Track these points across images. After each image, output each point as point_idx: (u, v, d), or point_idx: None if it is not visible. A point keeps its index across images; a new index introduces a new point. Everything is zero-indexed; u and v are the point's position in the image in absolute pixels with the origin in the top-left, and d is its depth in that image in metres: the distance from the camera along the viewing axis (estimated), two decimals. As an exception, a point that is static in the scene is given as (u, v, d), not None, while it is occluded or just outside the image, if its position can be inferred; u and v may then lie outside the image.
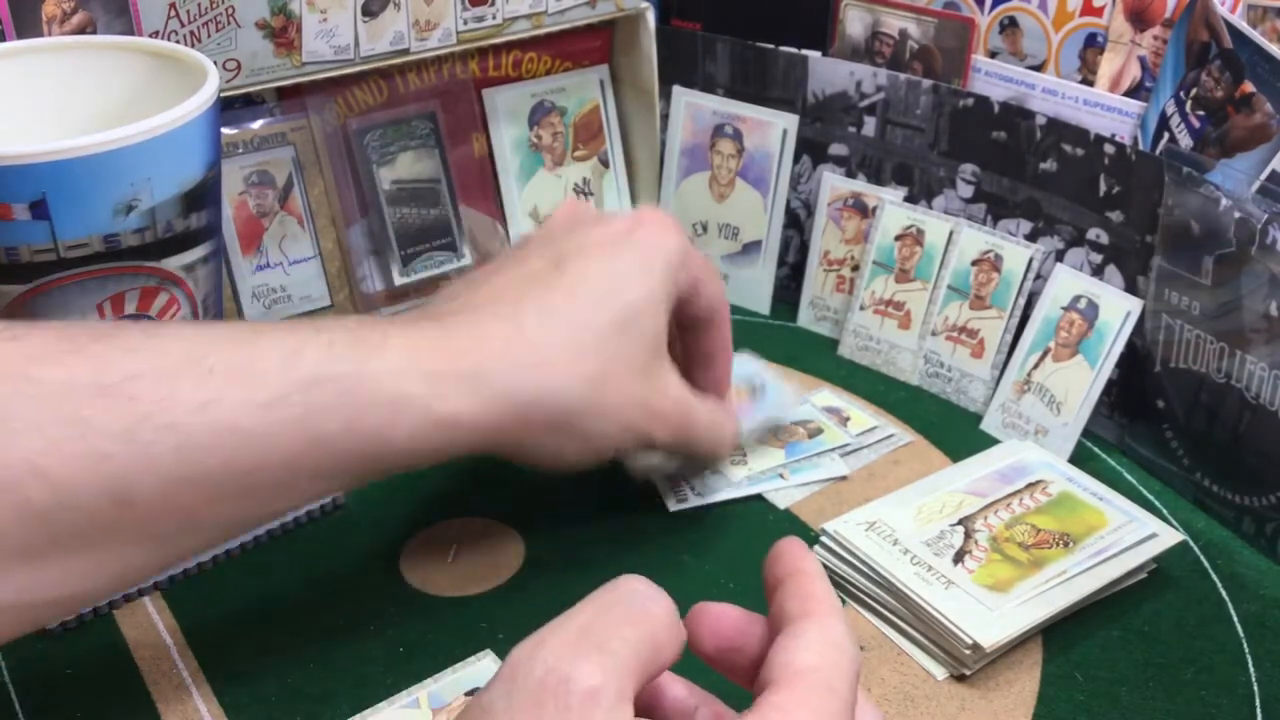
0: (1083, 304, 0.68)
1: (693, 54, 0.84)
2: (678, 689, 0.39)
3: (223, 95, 0.60)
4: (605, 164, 0.88)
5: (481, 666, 0.52)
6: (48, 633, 0.55)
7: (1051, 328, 0.69)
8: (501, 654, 0.53)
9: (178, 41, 0.65)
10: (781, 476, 0.66)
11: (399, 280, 0.81)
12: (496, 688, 0.32)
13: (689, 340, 0.58)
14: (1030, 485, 0.62)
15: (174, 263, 0.53)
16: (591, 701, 0.31)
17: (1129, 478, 0.67)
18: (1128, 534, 0.59)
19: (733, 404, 0.61)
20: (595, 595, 0.35)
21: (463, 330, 0.49)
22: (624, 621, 0.33)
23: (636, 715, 0.32)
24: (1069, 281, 0.69)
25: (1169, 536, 0.59)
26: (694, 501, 0.64)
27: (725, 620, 0.38)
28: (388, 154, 0.80)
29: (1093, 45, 0.71)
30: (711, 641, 0.38)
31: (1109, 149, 0.67)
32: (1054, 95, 0.72)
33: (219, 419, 0.42)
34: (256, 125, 0.74)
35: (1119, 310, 0.66)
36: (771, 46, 0.81)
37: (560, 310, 0.50)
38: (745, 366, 0.69)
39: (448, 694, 0.51)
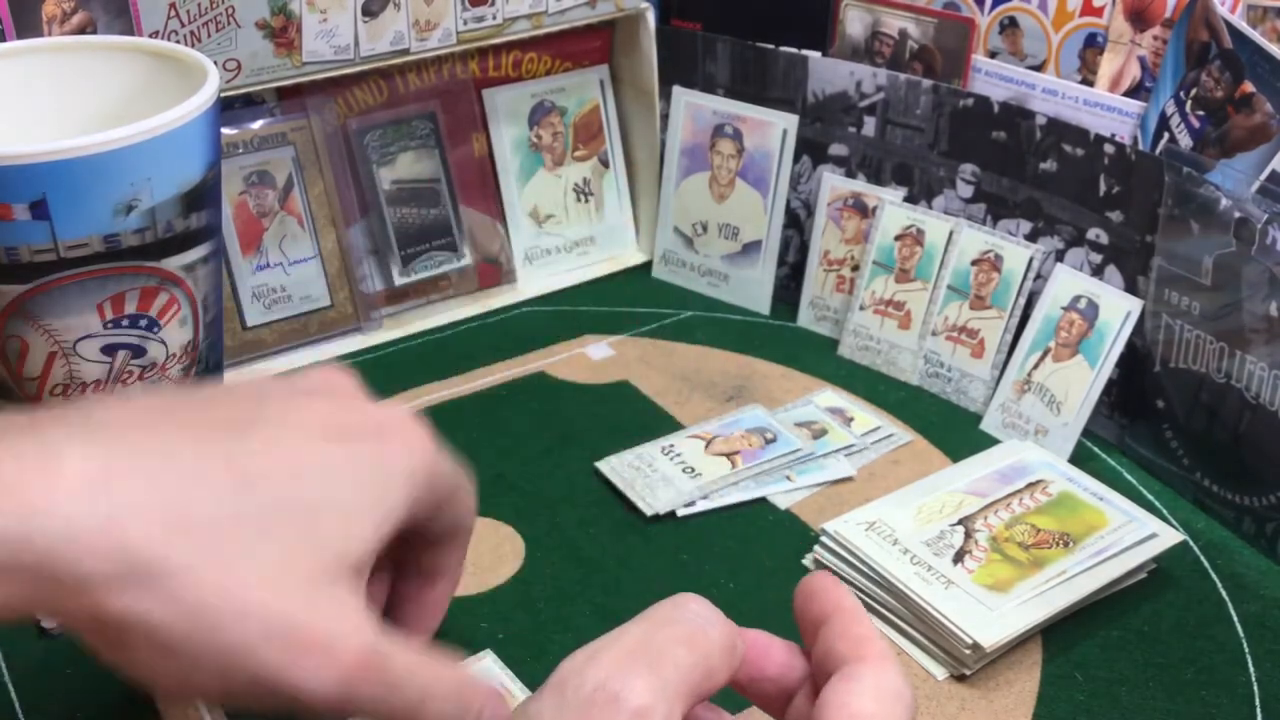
0: (1083, 304, 0.68)
1: (693, 54, 0.84)
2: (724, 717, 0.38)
3: (223, 95, 0.60)
4: (605, 164, 0.88)
5: (482, 667, 0.52)
6: (48, 633, 0.55)
7: (1051, 328, 0.69)
8: (502, 654, 0.53)
9: (178, 41, 0.65)
10: (787, 478, 0.66)
11: (399, 280, 0.81)
12: (545, 698, 0.32)
13: (415, 554, 0.45)
14: (1030, 485, 0.62)
15: (174, 263, 0.53)
16: (641, 718, 0.31)
17: (1129, 478, 0.67)
18: (1128, 534, 0.59)
19: (428, 618, 0.46)
20: (653, 611, 0.34)
21: (29, 456, 0.31)
22: (679, 642, 0.33)
23: None
24: (1069, 281, 0.69)
25: (1169, 536, 0.59)
26: (700, 505, 0.64)
27: (771, 654, 0.37)
28: (388, 154, 0.80)
29: (1093, 45, 0.71)
30: (750, 673, 0.37)
31: (1109, 149, 0.67)
32: (1054, 95, 0.72)
33: None
34: (256, 125, 0.74)
35: (1119, 310, 0.66)
36: (771, 46, 0.81)
37: (204, 474, 0.34)
38: (758, 418, 0.69)
39: None
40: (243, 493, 0.34)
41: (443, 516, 0.43)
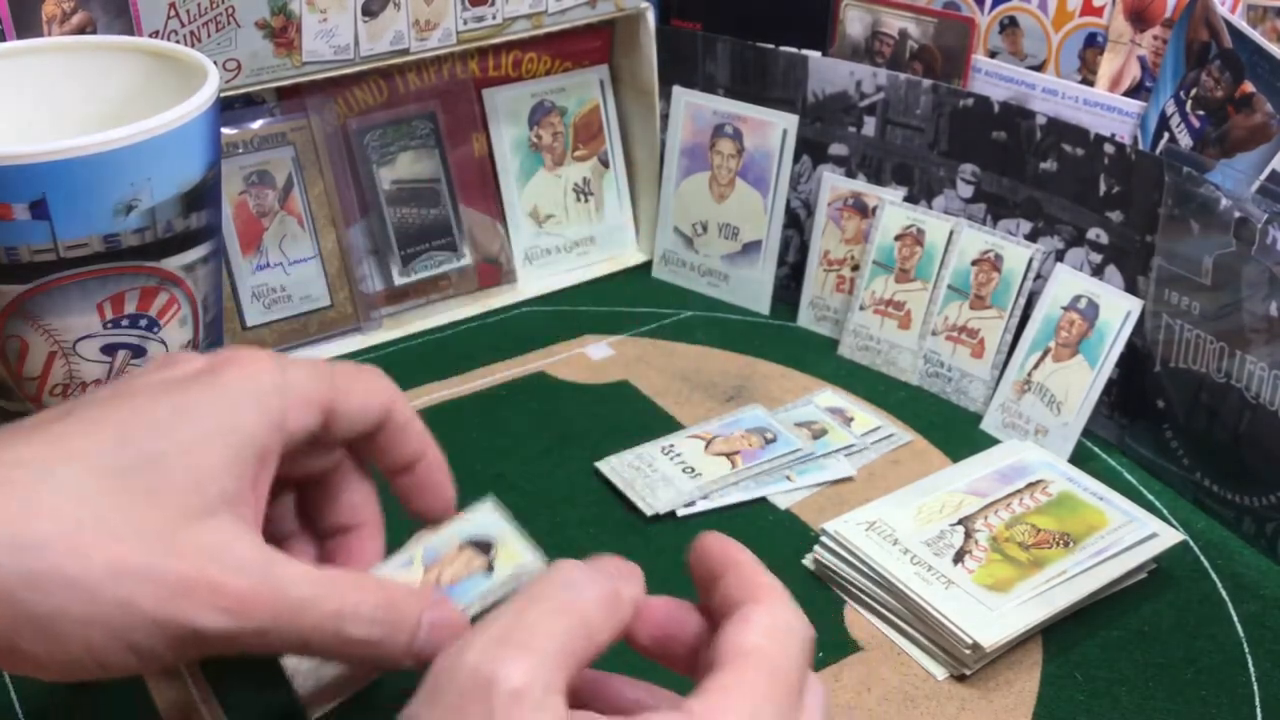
0: (1083, 304, 0.68)
1: (693, 54, 0.84)
2: (638, 692, 0.39)
3: (223, 95, 0.60)
4: (605, 164, 0.88)
5: (481, 511, 0.47)
6: (48, 633, 0.55)
7: (1051, 327, 0.69)
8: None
9: (178, 41, 0.65)
10: (787, 478, 0.66)
11: (399, 280, 0.81)
12: (420, 698, 0.31)
13: (381, 459, 0.44)
14: (1030, 485, 0.62)
15: (174, 263, 0.53)
16: (517, 701, 0.30)
17: (1129, 478, 0.67)
18: (1128, 534, 0.59)
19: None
20: (526, 587, 0.34)
21: None
22: (551, 613, 0.33)
23: (577, 707, 0.32)
24: (1069, 281, 0.69)
25: (1169, 536, 0.59)
26: (700, 505, 0.64)
27: (655, 610, 0.38)
28: (388, 154, 0.80)
29: (1093, 45, 0.71)
30: (645, 630, 0.38)
31: (1109, 149, 0.67)
32: (1054, 95, 0.72)
33: None
34: (256, 125, 0.74)
35: (1119, 310, 0.66)
36: (771, 46, 0.81)
37: (41, 459, 0.35)
38: (758, 418, 0.69)
39: (444, 547, 0.46)
40: (85, 471, 0.35)
41: (343, 414, 0.41)
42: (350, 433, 0.42)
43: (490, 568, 0.44)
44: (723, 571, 0.37)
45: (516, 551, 0.45)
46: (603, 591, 0.34)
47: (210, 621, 0.34)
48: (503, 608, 0.33)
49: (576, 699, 0.33)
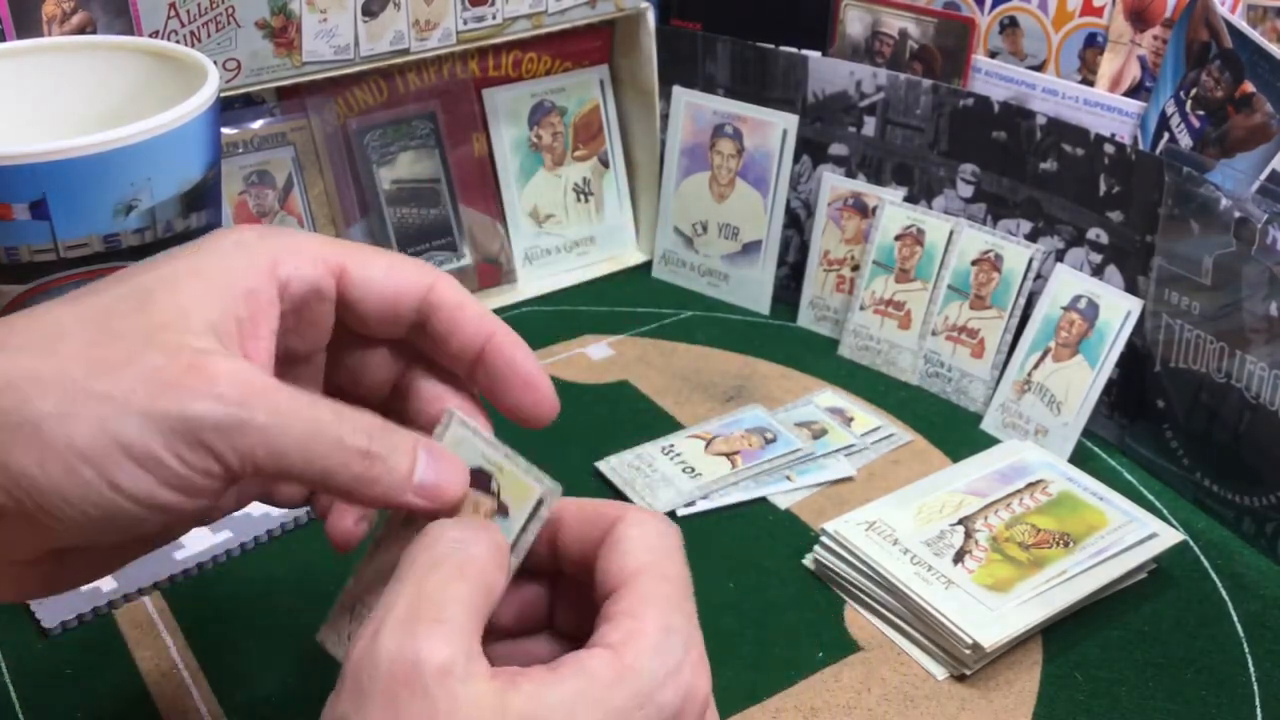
0: (1083, 304, 0.68)
1: (693, 54, 0.84)
2: (540, 646, 0.40)
3: (223, 95, 0.60)
4: (605, 164, 0.88)
5: (452, 432, 0.40)
6: (48, 633, 0.55)
7: (1051, 327, 0.69)
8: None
9: (178, 41, 0.65)
10: (788, 478, 0.66)
11: (399, 280, 0.81)
12: (345, 695, 0.31)
13: (445, 353, 0.41)
14: (1030, 485, 0.62)
15: (174, 263, 0.53)
16: (446, 676, 0.30)
17: (1129, 478, 0.67)
18: (1128, 534, 0.59)
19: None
20: (413, 559, 0.34)
21: None
22: (450, 579, 0.33)
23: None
24: (1069, 281, 0.69)
25: (1169, 536, 0.59)
26: (700, 505, 0.64)
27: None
28: (388, 154, 0.80)
29: (1093, 45, 0.71)
30: (504, 611, 0.38)
31: (1109, 149, 0.67)
32: (1054, 95, 0.72)
33: None
34: (256, 125, 0.74)
35: (1119, 310, 0.66)
36: (771, 46, 0.81)
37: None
38: (758, 418, 0.69)
39: None
40: (61, 312, 0.34)
41: (364, 288, 0.38)
42: (384, 312, 0.38)
43: (503, 509, 0.38)
44: (560, 514, 0.38)
45: (519, 479, 0.39)
46: (489, 545, 0.35)
47: (203, 409, 0.32)
48: (395, 587, 0.33)
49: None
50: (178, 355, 0.32)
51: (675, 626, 0.34)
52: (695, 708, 0.33)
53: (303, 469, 0.33)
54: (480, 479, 0.38)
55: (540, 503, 0.37)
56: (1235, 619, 0.57)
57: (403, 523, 0.39)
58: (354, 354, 0.40)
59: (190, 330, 0.33)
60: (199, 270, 0.35)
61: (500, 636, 0.39)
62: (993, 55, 0.76)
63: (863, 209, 0.78)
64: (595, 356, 0.78)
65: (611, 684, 0.32)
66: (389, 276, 0.38)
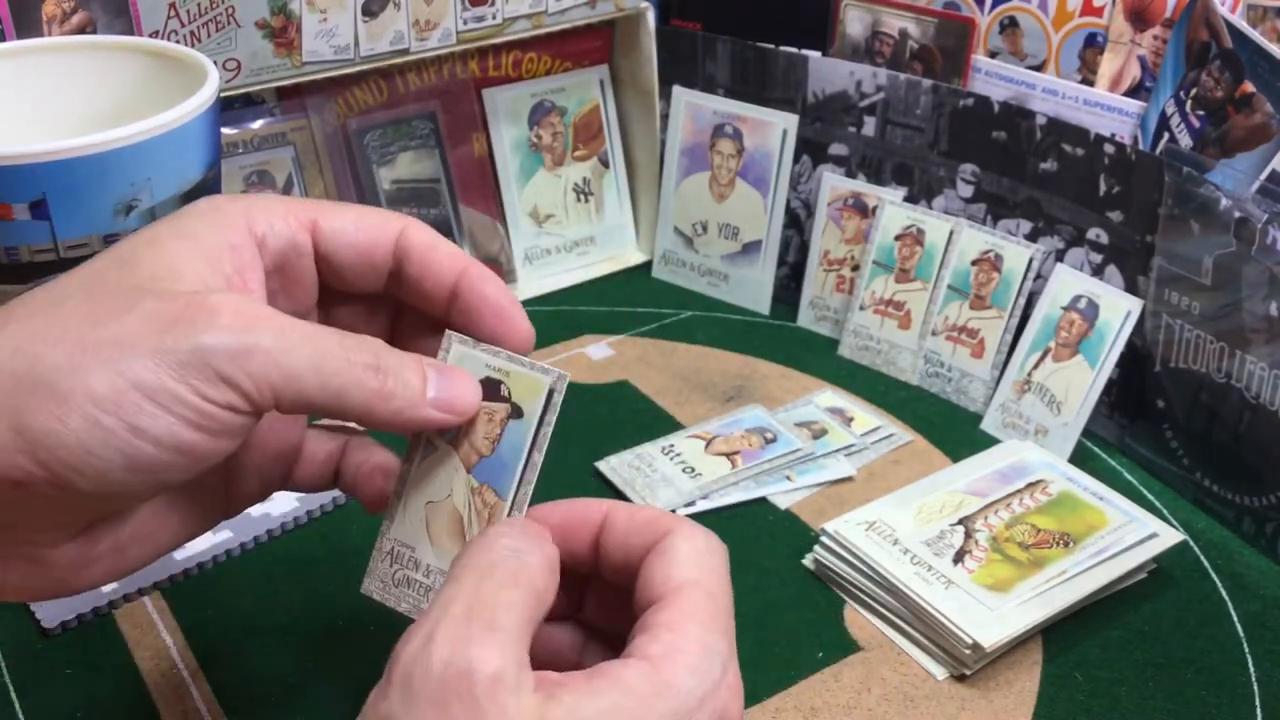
0: (1083, 304, 0.68)
1: (693, 54, 0.84)
2: (563, 634, 0.40)
3: (223, 95, 0.60)
4: (605, 164, 0.88)
5: (455, 349, 0.40)
6: (48, 633, 0.55)
7: (1051, 327, 0.69)
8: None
9: (178, 41, 0.65)
10: (787, 478, 0.66)
11: (399, 280, 0.81)
12: (394, 694, 0.31)
13: (422, 295, 0.40)
14: (1030, 485, 0.62)
15: (174, 263, 0.53)
16: (497, 686, 0.30)
17: (1129, 478, 0.67)
18: (1128, 534, 0.59)
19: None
20: (468, 563, 0.34)
21: None
22: (504, 586, 0.33)
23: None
24: (1069, 281, 0.69)
25: (1169, 536, 0.59)
26: (700, 505, 0.64)
27: (578, 533, 0.39)
28: (388, 154, 0.80)
29: (1093, 45, 0.71)
30: (572, 550, 0.39)
31: (1109, 149, 0.67)
32: (1054, 95, 0.72)
33: None
34: (256, 125, 0.74)
35: (1119, 310, 0.66)
36: (771, 46, 0.81)
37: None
38: (758, 418, 0.69)
39: None
40: (55, 287, 0.34)
41: (334, 237, 0.39)
42: (360, 262, 0.39)
43: (517, 411, 0.39)
44: (598, 524, 0.38)
45: (527, 376, 0.39)
46: (543, 554, 0.35)
47: (210, 339, 0.32)
48: (451, 591, 0.33)
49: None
50: (174, 298, 0.33)
51: (715, 647, 0.33)
52: None
53: (318, 390, 0.34)
54: (490, 389, 0.39)
55: (552, 392, 0.38)
56: (1235, 619, 0.57)
57: (422, 454, 0.40)
58: (342, 314, 0.41)
59: (182, 280, 0.34)
60: (180, 231, 0.36)
61: None
62: (993, 55, 0.76)
63: (863, 209, 0.78)
64: (595, 356, 0.78)
65: (648, 699, 0.31)
66: (359, 226, 0.39)
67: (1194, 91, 0.65)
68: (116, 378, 0.31)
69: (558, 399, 0.38)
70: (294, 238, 0.38)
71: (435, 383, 0.37)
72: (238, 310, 0.33)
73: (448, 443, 0.40)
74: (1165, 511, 0.65)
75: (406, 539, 0.41)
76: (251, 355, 0.32)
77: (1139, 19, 0.69)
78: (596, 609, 0.40)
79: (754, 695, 0.52)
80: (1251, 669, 0.54)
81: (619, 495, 0.64)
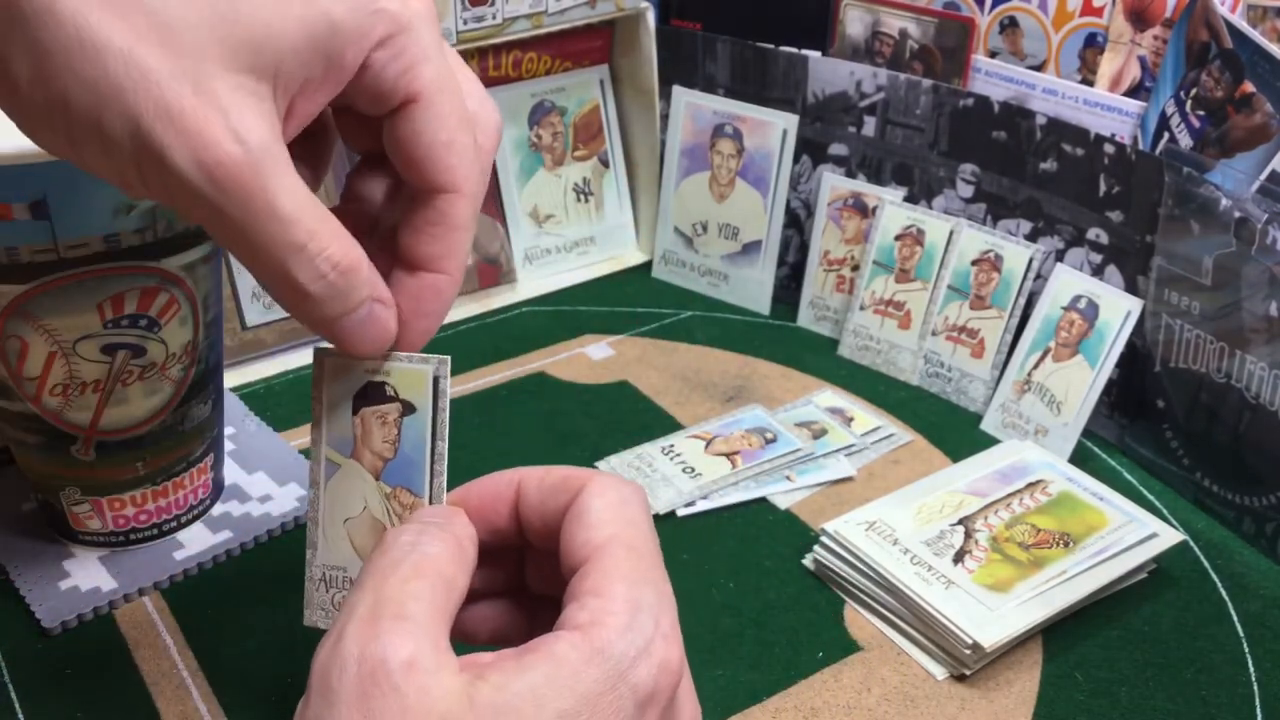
0: (1083, 304, 0.68)
1: (693, 54, 0.84)
2: (508, 611, 0.40)
3: (223, 95, 0.60)
4: (605, 164, 0.88)
5: (329, 361, 0.40)
6: (48, 633, 0.55)
7: (1051, 327, 0.69)
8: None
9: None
10: (788, 478, 0.66)
11: (399, 280, 0.81)
12: (314, 703, 0.31)
13: (407, 221, 0.37)
14: (1030, 485, 0.62)
15: (174, 263, 0.53)
16: (413, 669, 0.30)
17: (1129, 478, 0.67)
18: (1128, 534, 0.59)
19: (425, 296, 0.37)
20: (369, 567, 0.34)
21: None
22: (407, 579, 0.33)
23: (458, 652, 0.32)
24: (1069, 281, 0.69)
25: (1169, 536, 0.59)
26: (700, 505, 0.64)
27: (495, 506, 0.39)
28: (388, 154, 0.80)
29: (1093, 45, 0.71)
30: (480, 628, 0.39)
31: (1109, 149, 0.67)
32: (1054, 95, 0.72)
33: None
34: (256, 125, 0.74)
35: (1119, 310, 0.66)
36: (771, 46, 0.81)
37: None
38: (758, 418, 0.69)
39: (341, 425, 0.40)
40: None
41: (381, 64, 0.34)
42: (381, 87, 0.35)
43: (409, 407, 0.39)
44: (512, 496, 0.38)
45: (407, 370, 0.38)
46: (444, 543, 0.35)
47: (184, 165, 0.30)
48: (355, 594, 0.33)
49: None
50: (213, 115, 0.31)
51: (644, 602, 0.33)
52: (669, 680, 0.33)
53: (240, 237, 0.32)
54: (375, 392, 0.39)
55: (437, 379, 0.38)
56: (1235, 619, 0.57)
57: (325, 476, 0.40)
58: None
59: (249, 74, 0.31)
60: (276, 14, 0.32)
61: (471, 600, 0.39)
62: (993, 55, 0.76)
63: (863, 209, 0.78)
64: (595, 356, 0.78)
65: (580, 668, 0.31)
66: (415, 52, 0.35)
67: (1194, 91, 0.65)
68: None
69: (445, 384, 0.38)
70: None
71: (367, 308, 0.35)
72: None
73: (348, 457, 0.39)
74: (1165, 511, 0.65)
75: (335, 562, 0.40)
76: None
77: (1139, 19, 0.69)
78: (538, 579, 0.40)
79: (754, 695, 0.52)
80: (1251, 669, 0.54)
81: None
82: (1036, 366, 0.69)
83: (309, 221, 0.33)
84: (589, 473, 0.37)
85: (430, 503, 0.39)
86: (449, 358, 0.38)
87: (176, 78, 0.30)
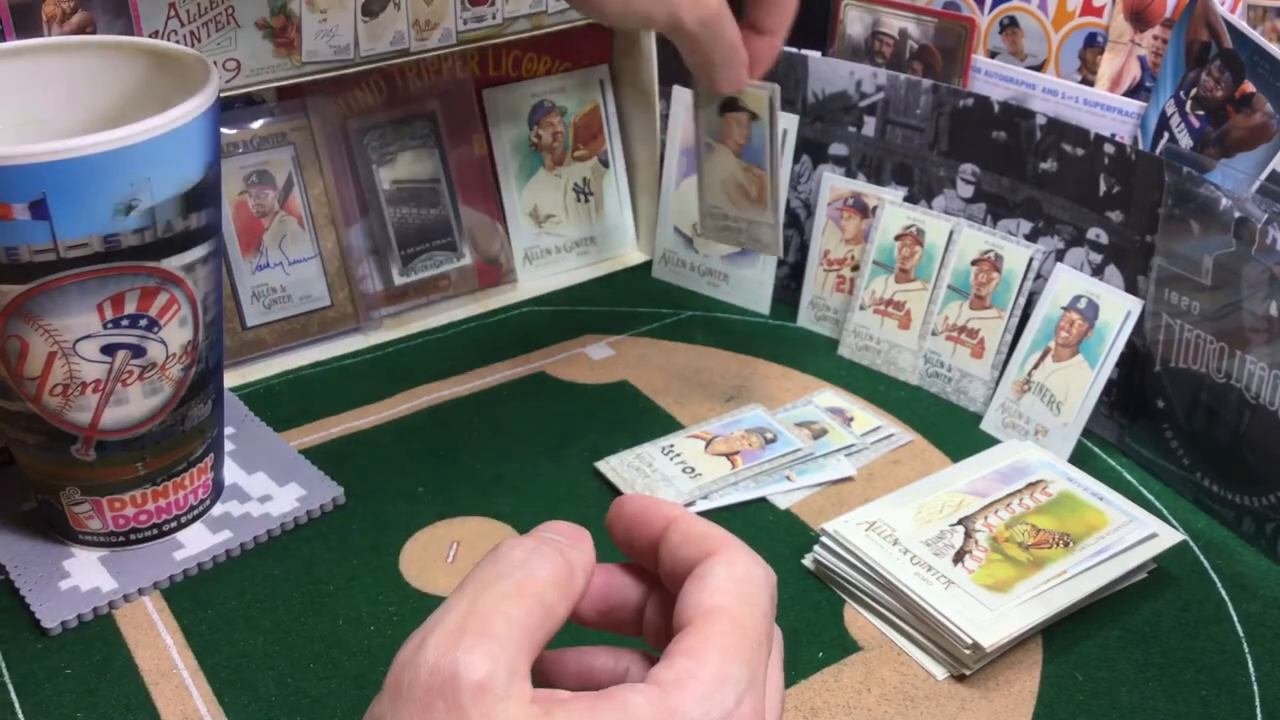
0: (1083, 304, 0.68)
1: (693, 54, 0.84)
2: (604, 658, 0.38)
3: (223, 95, 0.60)
4: (605, 164, 0.88)
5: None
6: (48, 633, 0.55)
7: (1051, 327, 0.69)
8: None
9: (178, 41, 0.65)
10: (788, 478, 0.66)
11: (399, 280, 0.81)
12: (384, 698, 0.31)
13: (754, 5, 0.62)
14: (1030, 485, 0.62)
15: (174, 263, 0.53)
16: (482, 693, 0.30)
17: (1129, 478, 0.67)
18: (1128, 534, 0.59)
19: (757, 59, 0.63)
20: (474, 575, 0.34)
21: None
22: (505, 597, 0.32)
23: (547, 684, 0.31)
24: (1069, 281, 0.69)
25: (1169, 536, 0.59)
26: (700, 505, 0.64)
27: (613, 582, 0.38)
28: (388, 154, 0.80)
29: (1093, 45, 0.71)
30: (589, 605, 0.38)
31: (1109, 149, 0.67)
32: (1054, 95, 0.72)
33: None
34: (256, 125, 0.74)
35: (1119, 310, 0.66)
36: (771, 46, 0.81)
37: None
38: (758, 418, 0.70)
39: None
40: None
41: None
42: None
43: (754, 116, 0.65)
44: (661, 530, 0.37)
45: (753, 92, 0.64)
46: (555, 567, 0.34)
47: (690, 20, 0.57)
48: (452, 599, 0.33)
49: (540, 678, 0.32)
50: None
51: (732, 676, 0.32)
52: None
53: (705, 55, 0.60)
54: (734, 105, 0.65)
55: (771, 98, 0.64)
56: (1235, 619, 0.57)
57: (706, 153, 0.68)
58: None
59: None
60: None
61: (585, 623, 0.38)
62: (993, 55, 0.76)
63: (863, 209, 0.78)
64: (595, 356, 0.78)
65: None
66: None
67: (1194, 91, 0.65)
68: None
69: (776, 101, 0.64)
70: None
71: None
72: None
73: (719, 142, 0.67)
74: (1165, 511, 0.65)
75: (715, 203, 0.70)
76: None
77: (1139, 19, 0.69)
78: (653, 629, 0.39)
79: (754, 695, 0.52)
80: (1251, 669, 0.54)
81: (619, 495, 0.64)
82: (1036, 366, 0.69)
83: (736, 42, 0.60)
84: (729, 539, 0.36)
85: (771, 175, 0.66)
86: (778, 86, 0.63)
87: None
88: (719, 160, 0.68)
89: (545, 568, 0.34)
